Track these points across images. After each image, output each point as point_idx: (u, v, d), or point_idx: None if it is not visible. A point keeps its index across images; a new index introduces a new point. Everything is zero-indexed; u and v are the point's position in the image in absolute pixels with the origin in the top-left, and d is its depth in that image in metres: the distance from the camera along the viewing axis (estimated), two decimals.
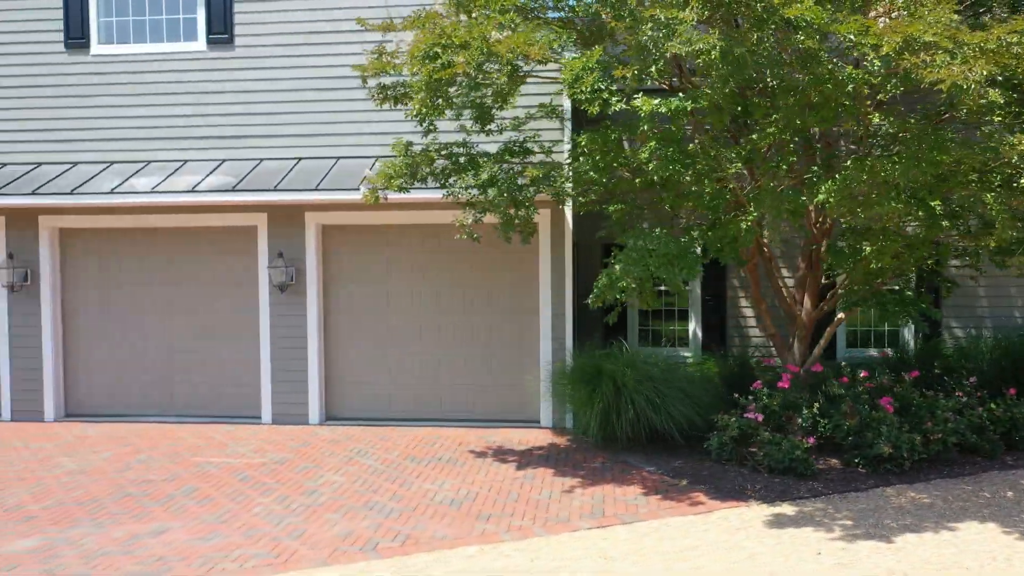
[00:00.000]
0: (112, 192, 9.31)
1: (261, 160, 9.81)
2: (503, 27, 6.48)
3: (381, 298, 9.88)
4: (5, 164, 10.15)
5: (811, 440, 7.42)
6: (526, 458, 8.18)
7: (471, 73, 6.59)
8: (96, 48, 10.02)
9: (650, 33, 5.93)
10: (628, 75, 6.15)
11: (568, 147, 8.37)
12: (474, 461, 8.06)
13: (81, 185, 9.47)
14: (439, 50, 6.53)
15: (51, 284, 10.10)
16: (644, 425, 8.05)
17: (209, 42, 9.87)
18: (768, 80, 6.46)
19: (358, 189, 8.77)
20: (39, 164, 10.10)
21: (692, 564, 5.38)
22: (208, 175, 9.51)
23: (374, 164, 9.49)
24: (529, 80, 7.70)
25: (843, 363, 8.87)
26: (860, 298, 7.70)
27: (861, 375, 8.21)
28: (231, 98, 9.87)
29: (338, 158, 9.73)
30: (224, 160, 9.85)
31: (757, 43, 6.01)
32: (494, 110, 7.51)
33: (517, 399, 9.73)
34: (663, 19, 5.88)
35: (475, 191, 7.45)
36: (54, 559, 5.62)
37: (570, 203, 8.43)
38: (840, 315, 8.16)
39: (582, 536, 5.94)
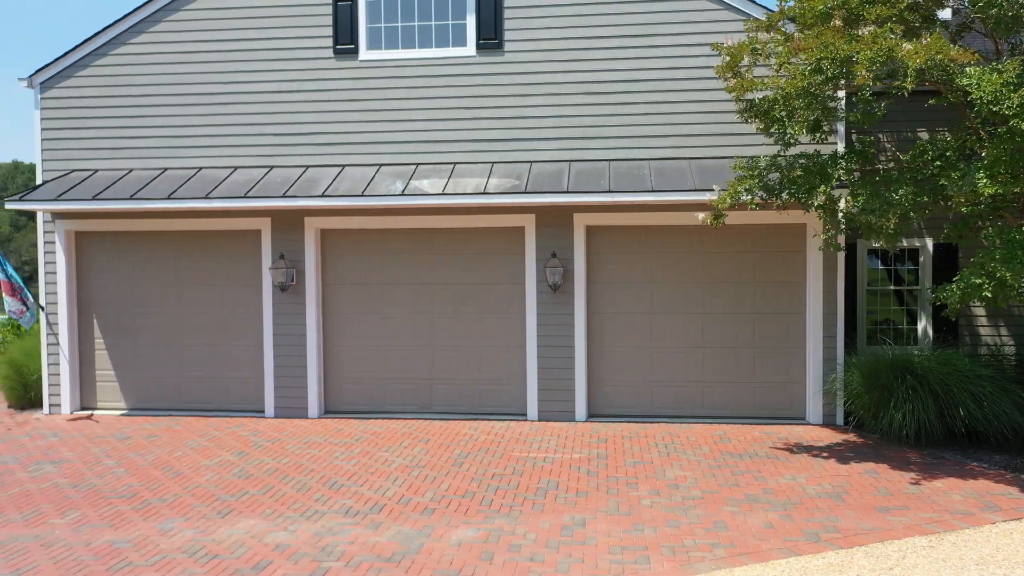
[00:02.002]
0: (403, 194, 9.54)
1: (531, 163, 10.03)
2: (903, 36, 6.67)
3: (644, 298, 10.07)
4: (272, 167, 10.42)
5: None
6: (833, 453, 8.34)
7: (869, 84, 6.77)
8: (364, 54, 10.28)
9: None
10: None
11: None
12: (790, 456, 8.23)
13: (367, 187, 9.72)
14: (827, 63, 6.72)
15: (315, 284, 10.36)
16: (961, 422, 8.21)
17: (479, 47, 10.10)
18: None
19: (655, 191, 9.02)
20: (306, 167, 10.37)
21: None
22: (488, 177, 9.73)
23: (647, 165, 9.71)
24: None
25: None
26: None
27: None
28: (499, 102, 10.09)
29: (609, 160, 9.93)
30: (493, 163, 10.08)
31: None
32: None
33: (783, 397, 9.90)
34: None
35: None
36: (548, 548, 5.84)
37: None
38: None
39: (1010, 529, 6.10)
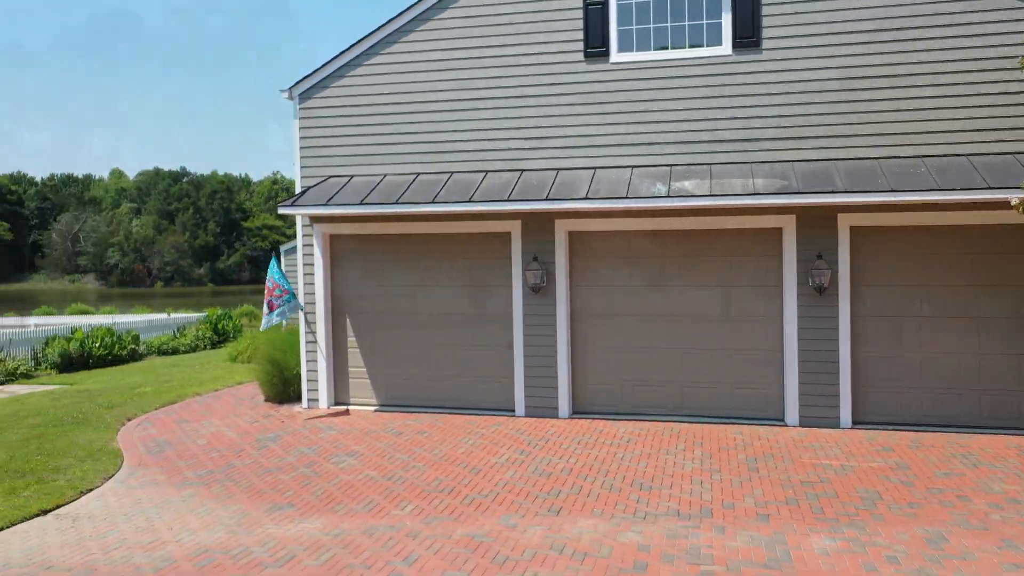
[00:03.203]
0: (668, 196, 9.51)
1: (792, 163, 9.82)
2: None
3: (915, 300, 9.67)
4: (523, 171, 10.62)
5: None
6: None
7: None
8: (615, 56, 10.33)
9: None
10: None
11: None
12: None
13: (628, 189, 9.76)
14: None
15: (565, 285, 10.49)
16: None
17: (735, 46, 9.97)
18: None
19: (943, 190, 8.65)
20: (557, 170, 10.51)
21: None
22: (752, 178, 9.59)
23: (922, 163, 9.33)
24: None
25: None
26: None
27: None
28: (756, 101, 9.92)
29: (876, 159, 9.61)
30: (751, 163, 9.92)
31: None
32: None
33: None
34: None
35: None
36: None
37: None
38: None
39: None
